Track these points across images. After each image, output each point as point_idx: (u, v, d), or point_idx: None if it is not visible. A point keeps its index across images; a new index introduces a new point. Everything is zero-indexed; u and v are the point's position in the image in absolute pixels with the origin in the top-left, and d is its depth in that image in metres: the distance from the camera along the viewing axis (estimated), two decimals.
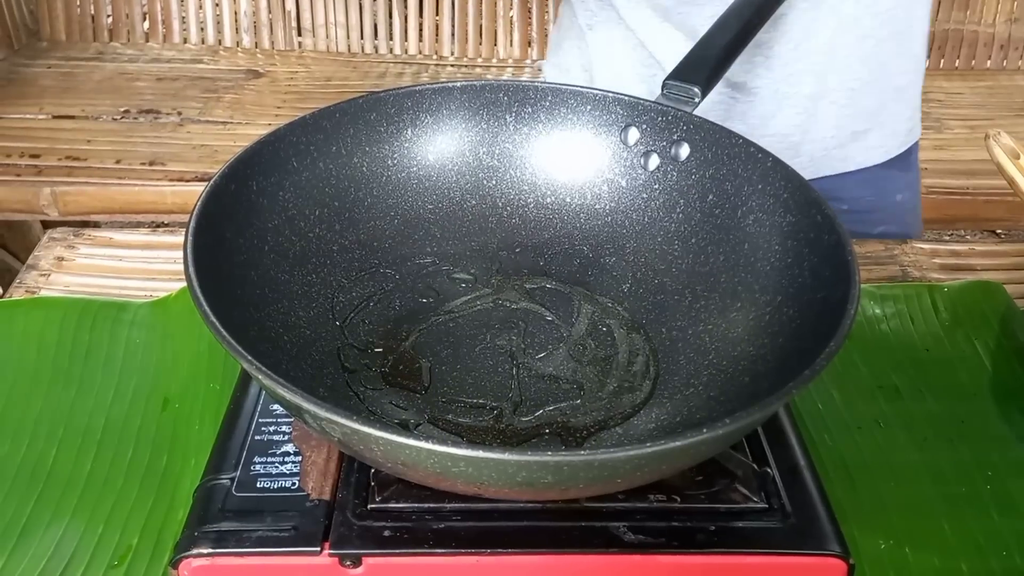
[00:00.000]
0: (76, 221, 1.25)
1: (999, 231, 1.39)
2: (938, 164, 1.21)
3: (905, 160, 0.75)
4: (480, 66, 1.55)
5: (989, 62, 1.52)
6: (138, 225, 1.14)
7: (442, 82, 0.53)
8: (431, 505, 0.37)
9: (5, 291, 0.62)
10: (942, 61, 1.53)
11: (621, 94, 0.52)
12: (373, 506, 0.37)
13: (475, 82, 0.52)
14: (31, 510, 0.44)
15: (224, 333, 0.30)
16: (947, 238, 0.69)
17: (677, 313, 0.47)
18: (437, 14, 1.57)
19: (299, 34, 1.56)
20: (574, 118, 0.53)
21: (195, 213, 0.38)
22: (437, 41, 1.58)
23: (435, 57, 1.56)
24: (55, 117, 1.29)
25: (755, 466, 0.40)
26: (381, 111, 0.51)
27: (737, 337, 0.44)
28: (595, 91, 0.52)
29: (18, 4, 1.50)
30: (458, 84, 0.52)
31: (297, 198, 0.47)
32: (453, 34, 1.58)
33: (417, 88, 0.52)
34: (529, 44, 1.59)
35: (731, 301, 0.46)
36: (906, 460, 0.48)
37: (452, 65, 1.55)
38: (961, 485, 0.47)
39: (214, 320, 0.31)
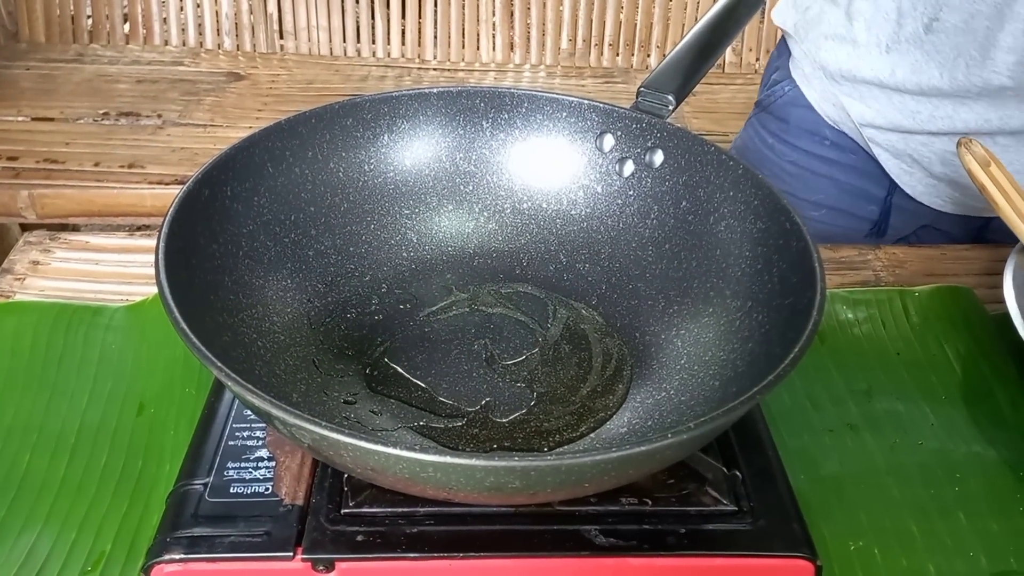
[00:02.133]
0: (55, 224, 1.25)
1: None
2: None
3: None
4: (463, 70, 1.56)
5: None
6: (117, 228, 1.13)
7: (419, 88, 0.53)
8: (404, 509, 0.37)
9: None
10: None
11: (596, 101, 0.52)
12: (347, 511, 0.37)
13: (451, 88, 0.53)
14: (4, 515, 0.43)
15: (195, 340, 0.30)
16: (922, 242, 0.70)
17: (651, 318, 0.48)
18: (420, 17, 1.57)
19: (281, 37, 1.55)
20: (550, 124, 0.53)
21: (167, 219, 0.38)
22: (420, 45, 1.58)
23: (417, 60, 1.57)
24: (33, 119, 1.28)
25: (725, 469, 0.40)
26: (358, 117, 0.51)
27: (708, 342, 0.44)
28: (571, 98, 0.53)
29: None
30: (434, 90, 0.53)
31: (272, 203, 0.47)
32: (436, 37, 1.58)
33: (394, 94, 0.52)
34: (512, 47, 1.59)
35: (703, 306, 0.46)
36: (876, 463, 0.49)
37: (435, 69, 1.55)
38: (929, 487, 0.47)
39: (184, 327, 0.31)
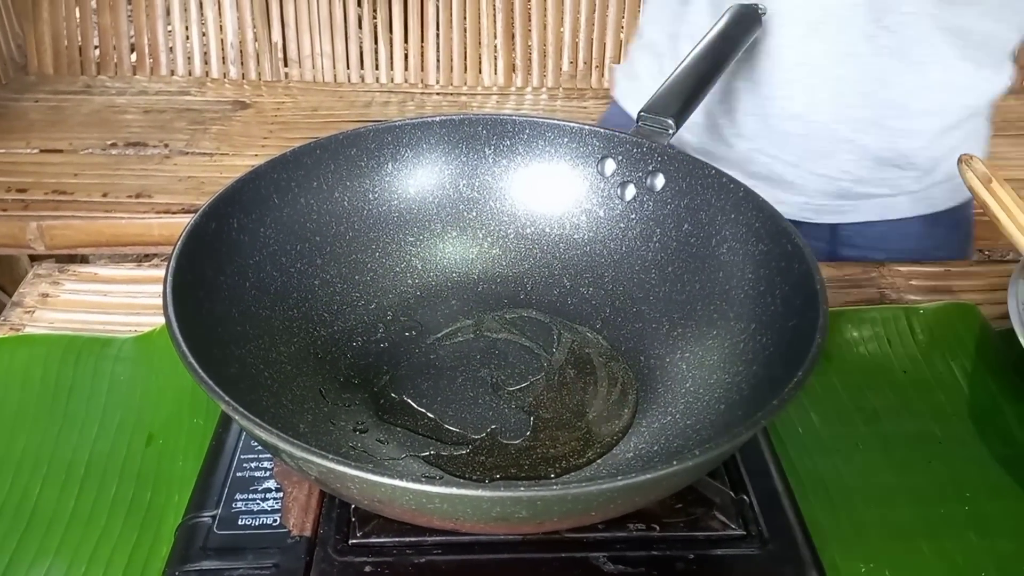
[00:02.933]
0: (63, 255, 1.26)
1: (984, 251, 1.41)
2: None
3: (952, 216, 0.74)
4: (465, 94, 1.57)
5: None
6: (125, 258, 1.14)
7: (421, 117, 0.54)
8: (412, 539, 0.37)
9: None
10: None
11: (597, 127, 0.53)
12: (354, 541, 0.37)
13: (454, 116, 0.53)
14: (15, 547, 0.44)
15: (203, 374, 0.31)
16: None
17: (655, 341, 0.48)
18: (422, 41, 1.59)
19: (285, 64, 1.57)
20: (552, 150, 0.54)
21: (175, 254, 0.38)
22: (423, 69, 1.60)
23: (420, 86, 1.58)
24: (42, 151, 1.30)
25: (732, 493, 0.40)
26: (361, 146, 0.52)
27: (713, 364, 0.44)
28: (572, 124, 0.53)
29: (5, 39, 1.51)
30: (437, 119, 0.53)
31: (278, 234, 0.47)
32: (438, 61, 1.60)
33: (397, 123, 0.53)
34: (513, 70, 1.61)
35: (707, 329, 0.46)
36: (885, 482, 0.49)
37: (438, 93, 1.56)
38: (939, 506, 0.47)
39: (192, 362, 0.31)
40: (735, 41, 0.57)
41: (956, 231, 0.77)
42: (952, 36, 0.63)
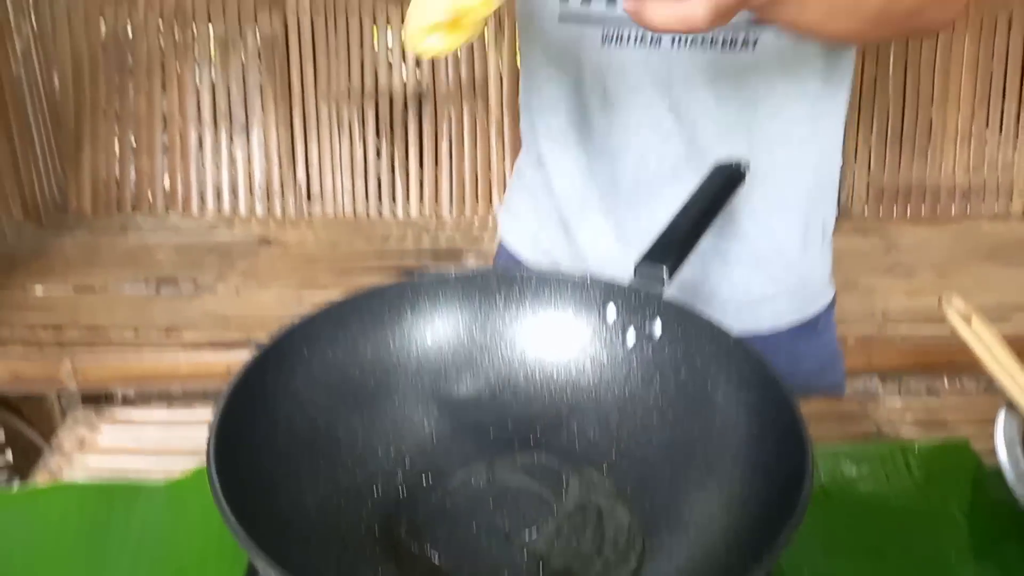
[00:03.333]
0: (90, 394, 1.30)
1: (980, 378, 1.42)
2: (912, 312, 1.26)
3: (814, 326, 0.77)
4: (477, 225, 1.66)
5: (954, 209, 1.62)
6: (151, 396, 1.17)
7: (439, 273, 0.59)
8: None
9: (27, 470, 0.65)
10: (909, 209, 1.63)
11: (598, 277, 0.58)
12: None
13: (468, 272, 0.58)
14: None
15: (248, 539, 0.34)
16: (921, 391, 0.73)
17: (659, 485, 0.50)
18: (436, 176, 1.69)
19: (308, 200, 1.67)
20: (557, 298, 0.58)
21: (217, 418, 0.42)
22: (436, 202, 1.69)
23: (435, 218, 1.67)
24: (78, 289, 1.37)
25: None
26: (385, 299, 0.56)
27: (714, 510, 0.47)
28: (575, 275, 0.58)
29: (48, 180, 1.63)
30: (453, 275, 0.58)
31: (308, 386, 0.51)
32: (451, 195, 1.69)
33: (416, 279, 0.58)
34: None
35: (707, 473, 0.49)
36: None
37: (451, 226, 1.65)
38: None
39: (240, 529, 0.34)
40: (721, 196, 0.62)
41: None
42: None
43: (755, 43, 0.64)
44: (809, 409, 0.68)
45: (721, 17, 0.44)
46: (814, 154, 0.71)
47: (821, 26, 0.53)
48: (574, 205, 0.75)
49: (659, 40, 0.65)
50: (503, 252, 0.83)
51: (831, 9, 0.52)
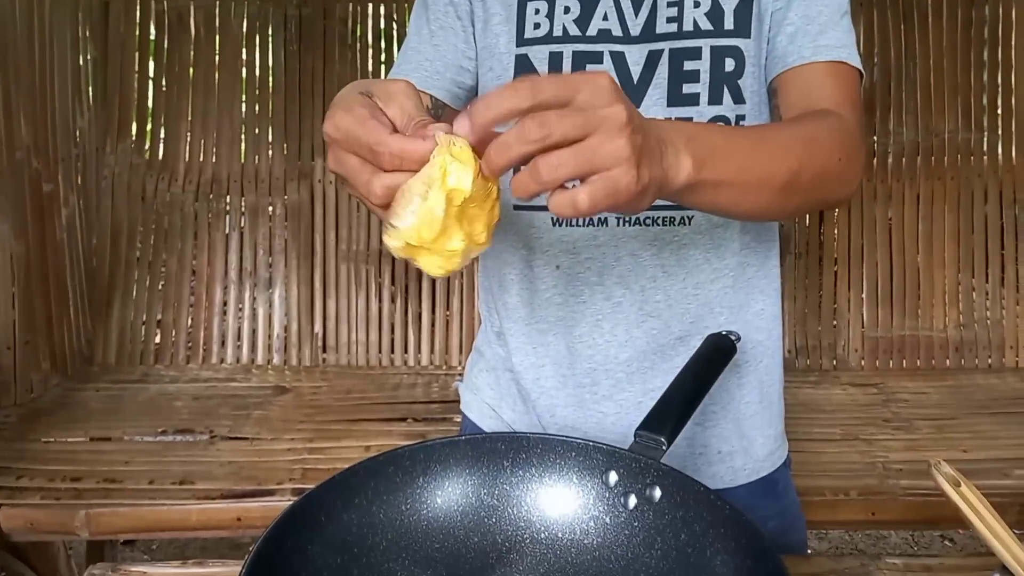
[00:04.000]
0: (97, 540, 1.30)
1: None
2: (912, 465, 1.27)
3: (771, 485, 0.80)
4: None
5: (948, 362, 1.65)
6: (160, 546, 1.17)
7: (450, 436, 0.63)
8: None
9: None
10: (904, 362, 1.66)
11: (600, 443, 0.61)
12: None
13: (477, 435, 0.62)
14: None
15: None
16: (921, 549, 0.74)
17: None
18: (447, 329, 1.75)
19: (324, 351, 1.73)
20: (561, 462, 0.61)
21: None
22: (447, 352, 1.75)
23: (444, 368, 1.72)
24: (95, 439, 1.40)
25: None
26: (398, 464, 0.60)
27: None
28: (578, 440, 0.61)
29: (77, 334, 1.69)
30: (463, 438, 0.62)
31: (323, 549, 0.54)
32: (461, 345, 1.75)
33: (428, 443, 0.61)
34: None
35: None
36: None
37: (460, 374, 1.69)
38: None
39: None
40: (715, 365, 0.67)
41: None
42: None
43: (691, 219, 0.72)
44: (811, 568, 0.70)
45: (644, 192, 0.47)
46: (757, 317, 0.77)
47: (736, 206, 0.60)
48: (531, 378, 0.79)
49: (606, 220, 0.72)
50: (466, 422, 0.87)
51: (742, 191, 0.57)
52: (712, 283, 0.75)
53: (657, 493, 0.58)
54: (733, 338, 0.71)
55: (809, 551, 0.80)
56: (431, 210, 0.46)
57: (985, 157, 1.69)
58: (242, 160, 1.78)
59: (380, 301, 1.73)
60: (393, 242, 0.48)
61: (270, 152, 1.79)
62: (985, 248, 1.68)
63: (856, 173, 0.66)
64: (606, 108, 0.45)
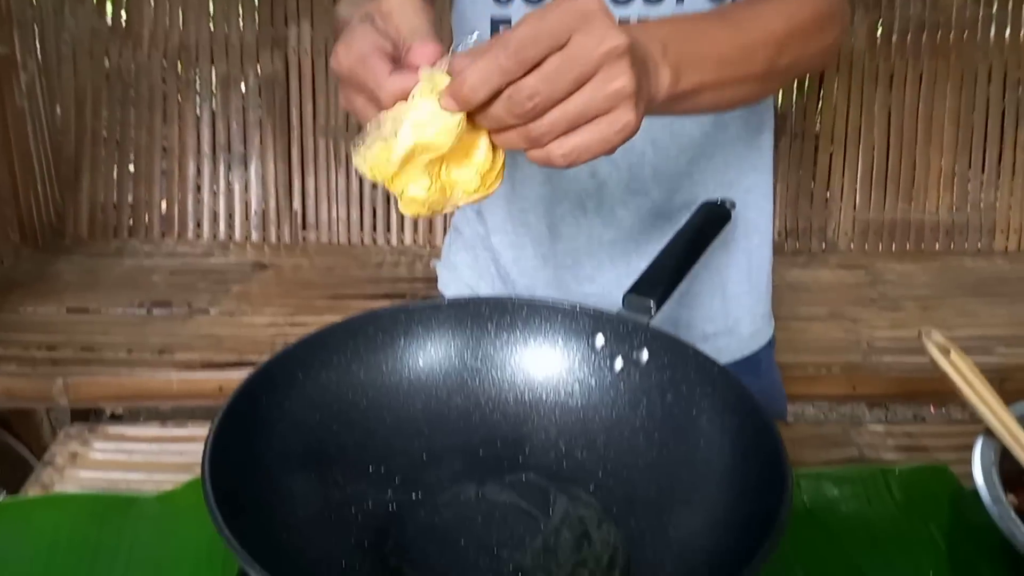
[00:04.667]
0: (82, 408, 1.30)
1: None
2: (897, 342, 1.29)
3: (755, 365, 0.79)
4: None
5: (937, 245, 1.65)
6: (143, 415, 1.18)
7: (432, 299, 0.61)
8: None
9: (15, 483, 0.66)
10: (894, 245, 1.66)
11: (587, 306, 0.59)
12: None
13: (461, 298, 0.60)
14: None
15: (237, 545, 0.35)
16: (905, 418, 0.75)
17: (644, 505, 0.52)
18: None
19: (304, 228, 1.69)
20: (547, 326, 0.60)
21: (212, 434, 0.43)
22: (430, 232, 1.71)
23: (428, 247, 1.69)
24: (72, 311, 1.38)
25: None
26: (378, 325, 0.58)
27: (698, 530, 0.48)
28: (564, 303, 0.60)
29: (46, 206, 1.64)
30: (446, 301, 0.60)
31: (301, 407, 0.53)
32: (444, 224, 1.72)
33: (410, 306, 0.59)
34: None
35: (691, 494, 0.50)
36: None
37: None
38: None
39: (229, 535, 0.35)
40: (708, 233, 0.64)
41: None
42: None
43: None
44: (792, 434, 0.70)
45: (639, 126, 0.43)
46: (748, 193, 0.74)
47: (716, 106, 0.55)
48: (510, 257, 0.77)
49: None
50: None
51: (721, 90, 0.53)
52: (703, 159, 0.71)
53: (644, 355, 0.57)
54: (728, 206, 0.68)
55: (790, 419, 0.82)
56: (389, 151, 0.42)
57: (992, 35, 1.62)
58: (211, 26, 1.67)
59: (361, 177, 1.68)
60: (357, 162, 0.44)
61: (240, 17, 1.68)
62: (984, 131, 1.64)
63: (840, 33, 0.61)
64: (602, 46, 0.40)
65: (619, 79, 0.40)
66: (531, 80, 0.40)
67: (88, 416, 1.47)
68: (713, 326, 0.77)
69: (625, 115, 0.41)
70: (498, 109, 0.41)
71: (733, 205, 0.67)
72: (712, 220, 0.64)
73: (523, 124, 0.41)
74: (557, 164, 0.42)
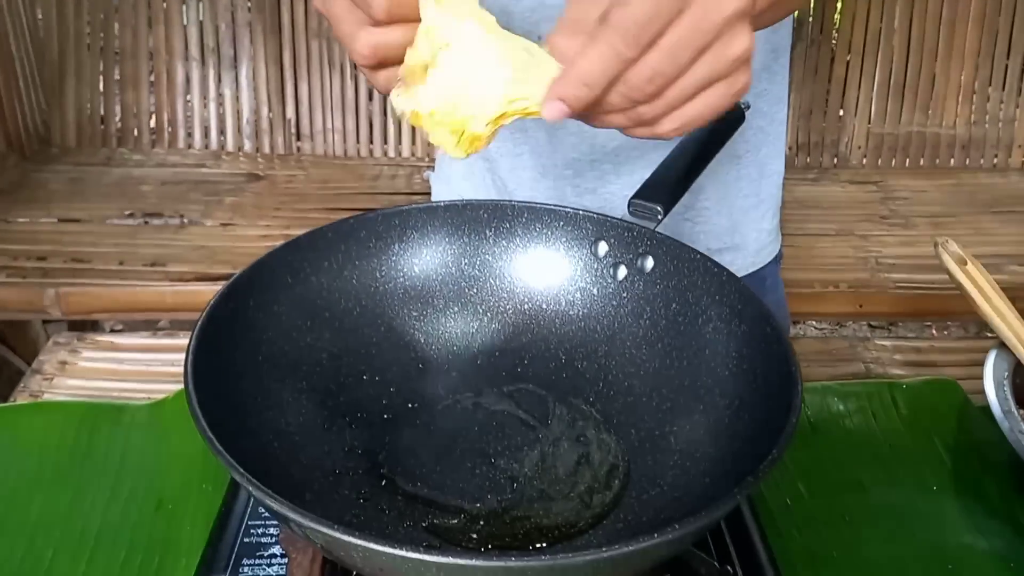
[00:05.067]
0: (76, 320, 1.29)
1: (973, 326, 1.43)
2: (906, 260, 1.26)
3: (759, 281, 0.77)
4: None
5: (952, 161, 1.60)
6: (134, 324, 1.17)
7: (427, 202, 0.58)
8: None
9: (10, 394, 0.65)
10: (907, 161, 1.61)
11: (591, 212, 0.56)
12: None
13: (457, 201, 0.57)
14: None
15: (220, 449, 0.33)
16: (910, 335, 0.73)
17: (645, 415, 0.50)
18: None
19: (298, 139, 1.64)
20: (548, 232, 0.57)
21: (195, 334, 0.41)
22: (429, 144, 1.66)
23: (427, 160, 1.64)
24: (62, 220, 1.35)
25: (718, 564, 0.42)
26: (371, 229, 0.55)
27: (700, 439, 0.47)
28: (567, 209, 0.57)
29: (31, 113, 1.59)
30: (442, 203, 0.57)
31: (290, 311, 0.50)
32: None
33: (404, 208, 0.56)
34: None
35: (694, 404, 0.49)
36: (871, 554, 0.50)
37: None
38: None
39: (211, 436, 0.34)
40: (721, 134, 0.61)
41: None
42: None
43: None
44: (798, 349, 0.69)
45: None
46: (760, 99, 0.70)
47: (774, 20, 0.52)
48: (508, 167, 0.73)
49: None
50: None
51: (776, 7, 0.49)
52: None
53: (649, 263, 0.54)
54: (743, 105, 0.64)
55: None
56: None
57: None
58: None
59: (356, 84, 1.62)
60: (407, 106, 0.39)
61: None
62: (1009, 38, 1.56)
63: None
64: (725, 9, 0.35)
65: (741, 42, 0.37)
66: (651, 60, 0.35)
67: (85, 328, 1.46)
68: (718, 242, 0.74)
69: (743, 77, 0.38)
70: (611, 97, 0.37)
71: (748, 106, 0.63)
72: (725, 121, 0.60)
73: (634, 107, 0.37)
74: (663, 138, 0.39)
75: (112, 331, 1.55)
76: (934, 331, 1.45)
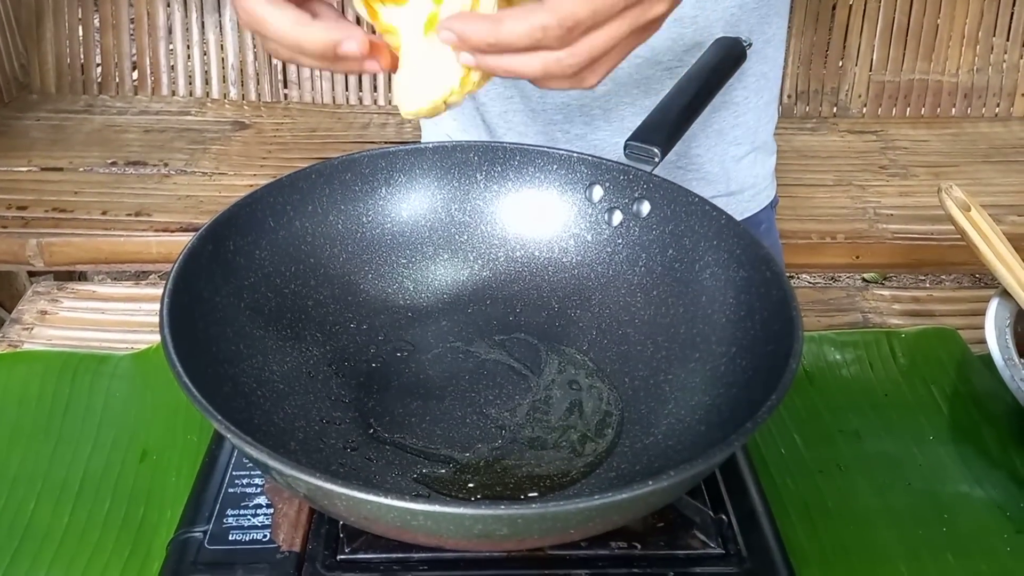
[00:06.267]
0: (61, 271, 1.27)
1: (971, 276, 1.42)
2: (904, 210, 1.24)
3: (754, 226, 0.76)
4: None
5: (954, 110, 1.57)
6: (122, 275, 1.15)
7: (415, 143, 0.56)
8: (399, 555, 0.38)
9: None
10: (908, 109, 1.58)
11: (585, 154, 0.54)
12: (343, 557, 0.38)
13: (447, 143, 0.55)
14: (9, 563, 0.44)
15: (196, 394, 0.32)
16: (909, 285, 0.72)
17: (639, 363, 0.49)
18: None
19: (285, 86, 1.59)
20: (541, 176, 0.55)
21: (172, 275, 0.39)
22: None
23: None
24: (43, 169, 1.32)
25: (712, 513, 0.41)
26: (356, 171, 0.53)
27: (695, 387, 0.46)
28: (560, 151, 0.55)
29: (9, 58, 1.53)
30: (430, 145, 0.55)
31: (273, 256, 0.49)
32: None
33: (391, 149, 0.54)
34: None
35: (690, 351, 0.47)
36: (866, 504, 0.50)
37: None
38: (918, 527, 0.48)
39: (187, 381, 0.32)
40: (722, 73, 0.58)
41: None
42: None
43: None
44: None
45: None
46: (770, 52, 0.68)
47: None
48: (497, 111, 0.71)
49: None
50: None
51: None
52: (715, 3, 0.64)
53: (645, 208, 0.53)
54: (745, 43, 0.61)
55: None
56: None
57: None
58: None
59: None
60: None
61: None
62: None
63: None
64: None
65: (661, 6, 0.39)
66: (571, 35, 0.37)
67: (72, 279, 1.44)
68: (712, 189, 0.73)
69: (657, 25, 0.40)
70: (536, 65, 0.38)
71: (750, 44, 0.60)
72: (726, 58, 0.58)
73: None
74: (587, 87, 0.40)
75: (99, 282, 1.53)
76: (928, 285, 1.45)
